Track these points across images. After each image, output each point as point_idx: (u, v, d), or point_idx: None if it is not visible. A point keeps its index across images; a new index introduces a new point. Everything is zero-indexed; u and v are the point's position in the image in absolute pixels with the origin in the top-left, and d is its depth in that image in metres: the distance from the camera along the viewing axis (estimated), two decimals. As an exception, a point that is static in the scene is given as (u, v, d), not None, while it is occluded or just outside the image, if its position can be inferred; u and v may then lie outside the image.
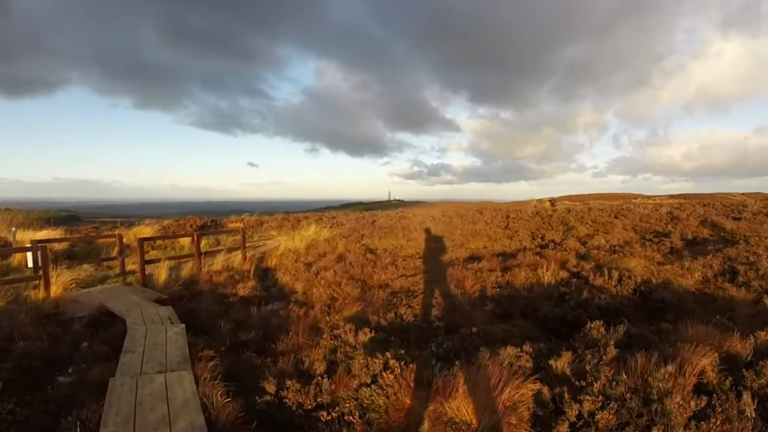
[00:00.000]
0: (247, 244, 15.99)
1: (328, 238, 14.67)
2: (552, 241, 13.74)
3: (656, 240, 13.74)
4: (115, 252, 12.01)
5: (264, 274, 10.94)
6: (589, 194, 67.26)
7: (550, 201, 66.56)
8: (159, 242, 14.95)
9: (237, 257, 12.01)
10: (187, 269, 10.08)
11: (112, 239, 12.85)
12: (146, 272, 9.68)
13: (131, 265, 11.75)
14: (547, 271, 8.95)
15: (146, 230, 17.75)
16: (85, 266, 11.16)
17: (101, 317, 7.04)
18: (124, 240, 16.29)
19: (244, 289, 8.44)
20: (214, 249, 15.11)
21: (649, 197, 56.40)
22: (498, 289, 8.14)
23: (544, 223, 16.24)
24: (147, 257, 13.80)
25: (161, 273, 9.26)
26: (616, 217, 17.40)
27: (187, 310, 7.63)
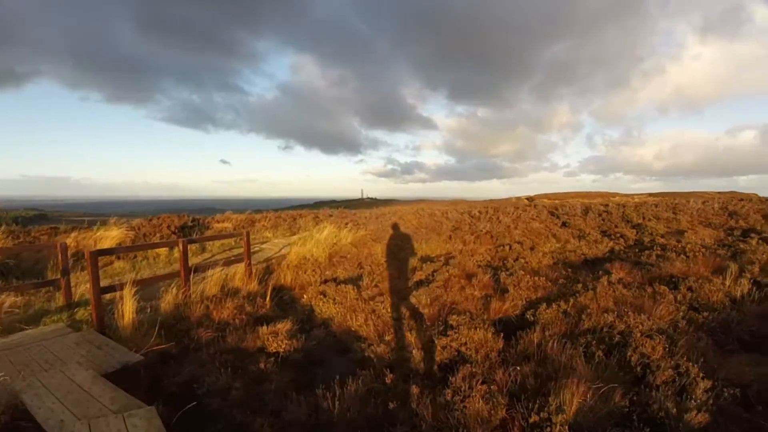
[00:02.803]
0: (240, 249, 12.08)
1: (353, 241, 10.87)
2: (639, 241, 10.44)
3: (753, 237, 10.68)
4: (60, 270, 7.78)
5: (281, 298, 7.13)
6: (567, 192, 64.90)
7: (527, 199, 64.13)
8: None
9: (237, 271, 8.09)
10: (168, 296, 6.15)
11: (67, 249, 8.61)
12: (105, 301, 5.77)
13: (85, 284, 7.69)
14: (728, 281, 5.81)
15: (112, 233, 13.20)
16: (12, 295, 6.98)
17: (13, 423, 3.24)
18: (85, 246, 12.03)
19: (276, 340, 4.61)
20: (201, 260, 11.11)
21: (627, 195, 54.49)
22: (705, 315, 4.80)
23: (603, 220, 12.95)
24: (110, 272, 9.72)
25: (128, 305, 5.30)
26: (674, 213, 14.34)
27: (181, 389, 3.83)
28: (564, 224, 12.47)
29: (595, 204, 17.84)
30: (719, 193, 50.58)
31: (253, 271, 8.35)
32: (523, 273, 6.98)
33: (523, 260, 8.49)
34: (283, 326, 4.93)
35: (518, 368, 3.67)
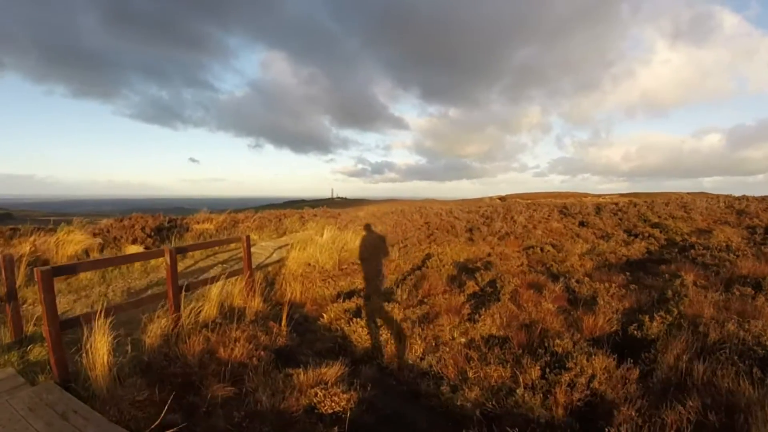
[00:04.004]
0: (226, 254, 10.39)
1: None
2: (671, 240, 9.44)
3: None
4: (6, 291, 5.82)
5: (293, 318, 5.60)
6: (538, 192, 65.09)
7: (499, 198, 63.93)
8: (93, 256, 8.90)
9: (235, 285, 6.43)
10: (155, 326, 4.51)
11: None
12: (68, 335, 4.09)
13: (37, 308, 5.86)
14: None
15: (76, 236, 10.88)
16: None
17: None
18: (46, 251, 9.98)
19: (328, 395, 3.11)
20: (183, 267, 9.38)
21: (598, 195, 54.82)
22: None
23: (621, 219, 11.95)
24: (75, 285, 7.81)
25: (101, 347, 3.67)
26: (686, 211, 13.54)
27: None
28: (582, 224, 11.38)
29: (604, 203, 16.97)
30: (688, 193, 51.55)
31: (256, 284, 6.76)
32: (588, 280, 5.71)
33: (568, 264, 7.25)
34: (331, 371, 3.43)
35: (690, 404, 2.43)
